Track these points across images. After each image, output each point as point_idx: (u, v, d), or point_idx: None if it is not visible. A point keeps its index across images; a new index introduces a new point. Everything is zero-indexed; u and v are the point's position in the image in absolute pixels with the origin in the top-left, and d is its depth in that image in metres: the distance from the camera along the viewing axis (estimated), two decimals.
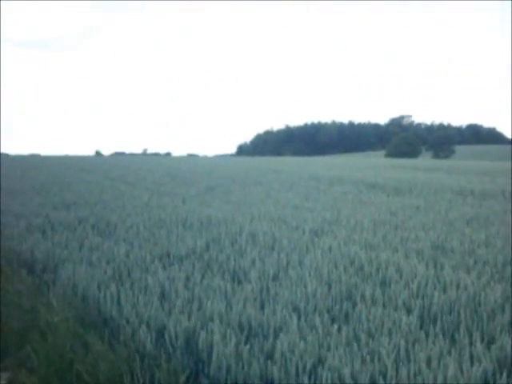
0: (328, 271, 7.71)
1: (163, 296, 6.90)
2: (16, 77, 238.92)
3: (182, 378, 4.56)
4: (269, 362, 4.78)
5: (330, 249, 9.29)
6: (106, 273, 7.96)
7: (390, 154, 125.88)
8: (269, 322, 5.73)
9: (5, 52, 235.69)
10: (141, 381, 4.77)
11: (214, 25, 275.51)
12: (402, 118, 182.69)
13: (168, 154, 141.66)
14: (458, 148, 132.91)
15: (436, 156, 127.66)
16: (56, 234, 11.01)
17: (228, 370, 4.80)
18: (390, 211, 13.96)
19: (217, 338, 5.12)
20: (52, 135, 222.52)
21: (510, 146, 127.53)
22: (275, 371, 4.63)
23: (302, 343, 5.08)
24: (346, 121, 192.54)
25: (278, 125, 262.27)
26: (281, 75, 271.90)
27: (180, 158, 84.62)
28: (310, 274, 7.58)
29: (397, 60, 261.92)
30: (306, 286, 6.99)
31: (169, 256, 9.13)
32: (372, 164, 44.22)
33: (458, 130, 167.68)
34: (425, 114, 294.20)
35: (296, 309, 6.32)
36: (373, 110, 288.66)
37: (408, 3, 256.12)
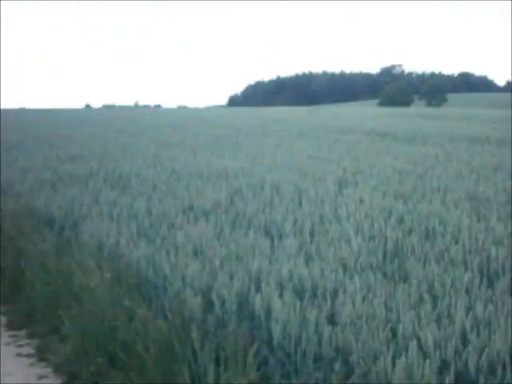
0: (368, 225, 7.24)
1: (198, 253, 6.42)
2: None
3: (252, 350, 4.07)
4: (338, 328, 4.31)
5: (361, 200, 8.81)
6: (131, 229, 7.46)
7: (382, 103, 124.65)
8: (321, 282, 5.26)
9: None
10: (198, 352, 4.29)
11: None
12: (392, 67, 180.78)
13: (158, 106, 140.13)
14: (450, 96, 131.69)
15: (429, 104, 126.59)
16: (68, 189, 10.49)
17: (291, 339, 4.32)
18: (411, 160, 13.45)
19: (276, 302, 4.63)
20: (37, 88, 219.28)
21: (500, 93, 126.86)
22: (350, 340, 4.15)
23: (366, 305, 4.63)
24: (337, 70, 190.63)
25: (268, 76, 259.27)
26: (271, 25, 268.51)
27: (172, 110, 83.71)
28: (350, 228, 7.08)
29: (388, 8, 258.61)
30: (349, 242, 6.52)
31: (192, 210, 8.64)
32: (374, 113, 43.66)
33: (450, 78, 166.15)
34: (416, 63, 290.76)
35: (345, 266, 5.85)
36: (364, 59, 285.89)
37: None
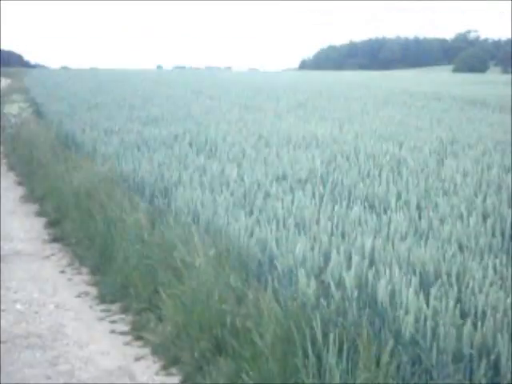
0: (480, 200, 6.70)
1: (300, 228, 5.97)
2: None
3: (387, 348, 3.63)
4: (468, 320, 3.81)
5: (465, 173, 8.23)
6: (225, 198, 7.06)
7: (457, 69, 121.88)
8: (445, 266, 4.76)
9: None
10: (320, 343, 3.87)
11: None
12: (468, 32, 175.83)
13: (228, 68, 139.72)
14: None
15: (505, 71, 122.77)
16: (155, 153, 10.14)
17: (427, 332, 3.84)
18: (507, 130, 12.69)
19: (403, 288, 4.15)
20: (107, 49, 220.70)
21: None
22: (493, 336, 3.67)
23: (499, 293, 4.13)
24: (411, 36, 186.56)
25: (341, 40, 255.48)
26: None
27: (243, 73, 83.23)
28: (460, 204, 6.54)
29: None
30: (462, 219, 6.00)
31: (286, 179, 8.20)
32: (453, 79, 42.37)
33: None
34: (491, 29, 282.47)
35: (461, 247, 5.34)
36: (438, 24, 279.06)
37: None
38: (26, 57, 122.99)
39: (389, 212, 6.47)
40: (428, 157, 9.46)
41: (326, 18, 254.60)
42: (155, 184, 7.97)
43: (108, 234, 7.10)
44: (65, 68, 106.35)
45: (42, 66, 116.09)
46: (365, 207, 6.66)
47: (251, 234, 5.62)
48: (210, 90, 25.70)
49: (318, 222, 6.00)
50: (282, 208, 6.52)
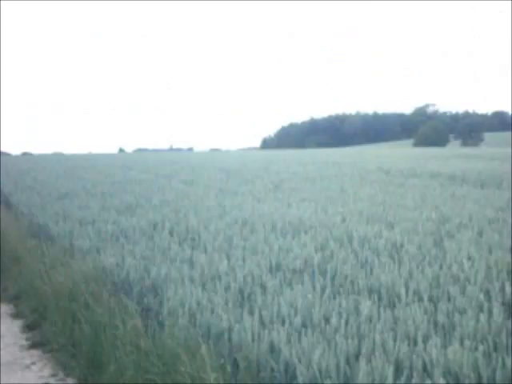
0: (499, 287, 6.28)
1: (309, 327, 5.45)
2: (31, 76, 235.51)
3: None
4: None
5: (470, 257, 7.80)
6: (221, 295, 6.53)
7: (418, 144, 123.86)
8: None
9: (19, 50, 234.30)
10: None
11: (235, 16, 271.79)
12: (426, 106, 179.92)
13: (190, 149, 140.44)
14: (487, 135, 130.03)
15: (465, 144, 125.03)
16: (134, 244, 9.62)
17: None
18: (495, 207, 12.39)
19: None
20: (67, 133, 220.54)
21: None
22: None
23: None
24: (370, 111, 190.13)
25: (301, 117, 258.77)
26: (303, 67, 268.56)
27: (205, 153, 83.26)
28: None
29: (418, 48, 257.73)
30: (482, 309, 5.57)
31: (279, 269, 7.72)
32: (419, 154, 42.56)
33: (484, 117, 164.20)
34: (449, 103, 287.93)
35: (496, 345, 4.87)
36: (396, 99, 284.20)
37: None
38: None
39: (400, 305, 6.03)
40: (424, 239, 9.06)
41: (286, 96, 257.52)
42: (142, 281, 7.43)
43: (96, 341, 6.45)
44: (27, 154, 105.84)
45: (3, 153, 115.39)
46: (373, 301, 6.17)
47: (259, 338, 5.10)
48: (180, 174, 25.28)
49: (327, 321, 5.50)
50: (285, 304, 6.02)
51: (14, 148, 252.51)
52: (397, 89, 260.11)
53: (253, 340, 5.11)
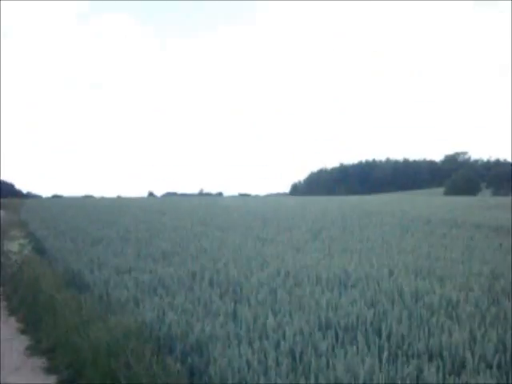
0: None
1: None
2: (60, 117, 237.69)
3: None
4: None
5: None
6: (272, 357, 6.08)
7: (448, 192, 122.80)
8: None
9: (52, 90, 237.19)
10: None
11: (262, 58, 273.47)
12: (457, 154, 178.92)
13: (220, 194, 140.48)
14: None
15: (496, 193, 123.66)
16: (174, 296, 9.19)
17: None
18: None
19: None
20: (95, 176, 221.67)
21: None
22: None
23: None
24: (400, 158, 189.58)
25: (331, 163, 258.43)
26: (334, 113, 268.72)
27: (238, 198, 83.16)
28: None
29: (450, 96, 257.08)
30: None
31: (330, 327, 7.25)
32: (463, 203, 41.83)
33: None
34: (480, 150, 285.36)
35: None
36: (427, 146, 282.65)
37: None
38: (18, 185, 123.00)
39: (466, 371, 5.56)
40: (480, 296, 8.55)
41: (316, 142, 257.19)
42: (185, 338, 6.99)
43: None
44: (57, 196, 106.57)
45: (34, 195, 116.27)
46: (438, 367, 5.69)
47: None
48: (214, 220, 24.90)
49: None
50: (342, 368, 5.56)
51: (44, 190, 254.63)
52: (427, 136, 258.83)
53: None
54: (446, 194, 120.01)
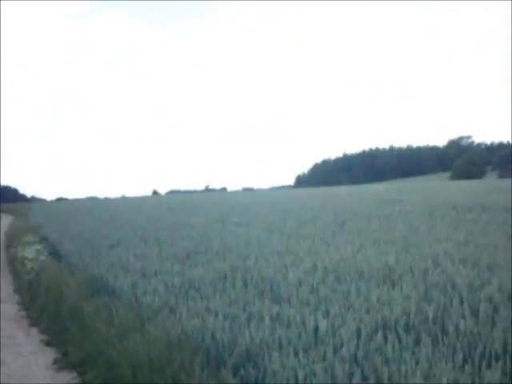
0: None
1: None
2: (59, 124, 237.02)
3: None
4: None
5: None
6: (329, 365, 5.45)
7: (454, 177, 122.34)
8: None
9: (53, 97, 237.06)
10: None
11: (266, 53, 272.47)
12: (461, 138, 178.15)
13: (224, 189, 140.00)
14: None
15: (503, 176, 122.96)
16: (209, 300, 8.55)
17: None
18: None
19: None
20: (99, 177, 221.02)
21: None
22: None
23: None
24: (403, 145, 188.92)
25: (334, 153, 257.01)
26: (334, 103, 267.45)
27: (240, 193, 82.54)
28: None
29: (451, 81, 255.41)
30: None
31: (388, 327, 6.61)
32: (477, 187, 41.11)
33: None
34: (484, 134, 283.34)
35: None
36: (430, 132, 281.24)
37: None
38: (22, 190, 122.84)
39: None
40: None
41: (318, 133, 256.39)
42: (233, 347, 6.35)
43: None
44: (61, 199, 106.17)
45: (39, 199, 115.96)
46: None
47: None
48: (231, 215, 24.24)
49: None
50: (421, 379, 4.94)
51: (48, 193, 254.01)
52: (429, 121, 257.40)
53: None
54: (452, 178, 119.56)
